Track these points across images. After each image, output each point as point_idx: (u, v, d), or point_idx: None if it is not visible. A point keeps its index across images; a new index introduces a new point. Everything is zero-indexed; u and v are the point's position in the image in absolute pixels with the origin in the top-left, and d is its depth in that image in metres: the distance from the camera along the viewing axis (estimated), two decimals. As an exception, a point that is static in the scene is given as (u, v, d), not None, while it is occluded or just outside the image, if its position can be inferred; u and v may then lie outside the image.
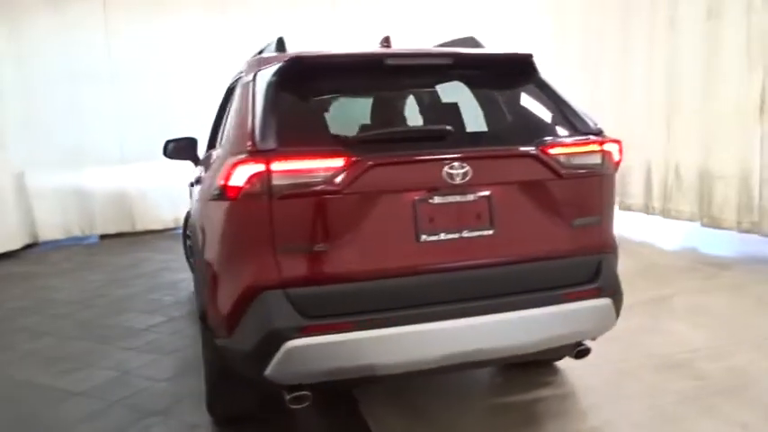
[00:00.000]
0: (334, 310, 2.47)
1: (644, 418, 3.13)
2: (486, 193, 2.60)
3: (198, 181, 3.86)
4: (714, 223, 6.62)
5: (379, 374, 2.56)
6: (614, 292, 2.83)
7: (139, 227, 8.76)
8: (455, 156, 2.52)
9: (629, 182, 7.82)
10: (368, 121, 3.51)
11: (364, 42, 7.60)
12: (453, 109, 3.33)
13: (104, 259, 7.57)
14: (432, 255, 2.56)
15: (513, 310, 2.62)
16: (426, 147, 2.62)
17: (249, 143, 2.46)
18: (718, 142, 6.49)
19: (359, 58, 2.91)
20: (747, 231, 6.30)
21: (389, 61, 2.79)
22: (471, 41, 3.35)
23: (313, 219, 2.45)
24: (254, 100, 2.64)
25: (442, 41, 3.63)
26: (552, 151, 2.69)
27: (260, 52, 3.34)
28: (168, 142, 4.67)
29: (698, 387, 3.40)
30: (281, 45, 3.04)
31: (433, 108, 3.57)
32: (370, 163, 2.45)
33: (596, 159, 2.79)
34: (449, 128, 2.67)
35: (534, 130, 2.84)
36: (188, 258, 5.76)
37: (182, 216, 6.50)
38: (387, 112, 3.62)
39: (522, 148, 2.68)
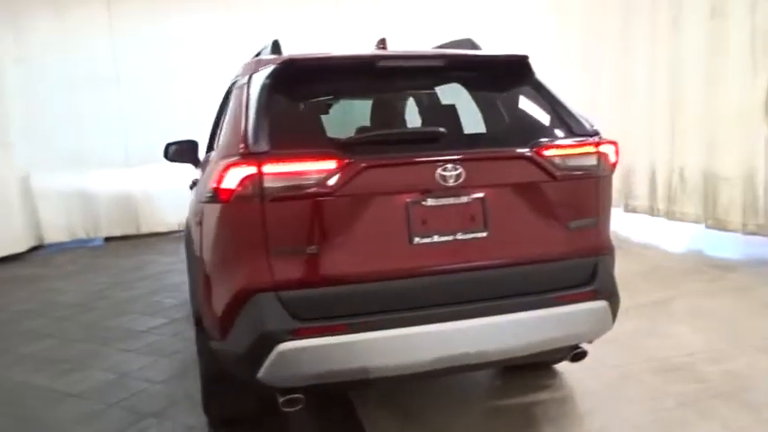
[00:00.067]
0: (327, 313, 2.46)
1: (642, 422, 3.11)
2: (480, 195, 2.59)
3: (195, 184, 3.87)
4: (719, 225, 6.56)
5: (373, 377, 2.55)
6: (611, 295, 2.81)
7: (144, 229, 8.79)
8: (448, 158, 2.51)
9: (633, 183, 7.78)
10: (365, 123, 3.51)
11: (368, 42, 7.60)
12: (449, 111, 3.31)
13: (109, 262, 7.60)
14: (425, 257, 2.55)
15: (507, 312, 2.60)
16: (419, 149, 2.61)
17: (242, 146, 2.46)
18: (722, 143, 6.44)
19: (352, 61, 2.91)
20: (753, 233, 6.24)
21: (382, 63, 2.79)
22: (468, 43, 3.34)
23: (305, 221, 2.45)
24: (248, 102, 2.64)
25: (441, 43, 3.62)
26: (547, 153, 2.68)
27: (257, 54, 3.34)
28: (169, 145, 4.68)
29: (698, 390, 3.37)
30: (276, 47, 3.04)
31: (429, 110, 3.57)
32: (362, 165, 2.44)
33: (592, 161, 2.78)
34: (442, 130, 2.66)
35: (529, 131, 2.82)
36: (189, 261, 5.78)
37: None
38: (383, 114, 3.62)
39: (517, 150, 2.66)
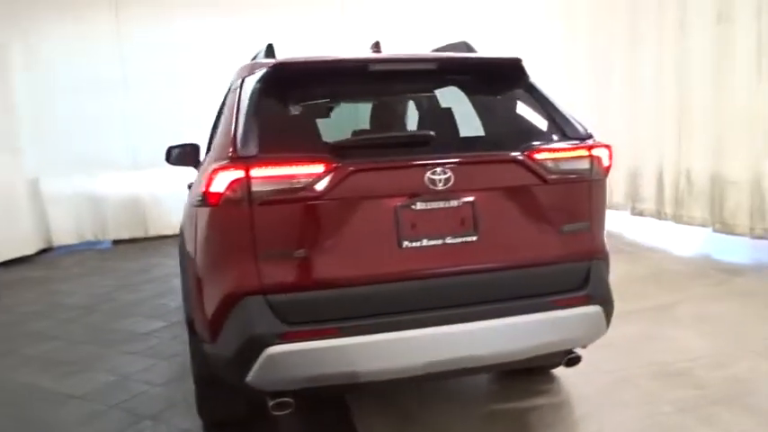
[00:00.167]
0: (316, 317, 2.47)
1: (638, 427, 3.08)
2: (470, 198, 2.58)
3: (190, 187, 3.90)
4: (726, 229, 6.49)
5: (362, 381, 2.55)
6: (604, 300, 2.79)
7: (152, 232, 8.84)
8: (436, 161, 2.51)
9: (640, 186, 7.72)
10: (362, 127, 3.51)
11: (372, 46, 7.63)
12: (445, 114, 3.32)
13: (116, 264, 7.66)
14: (414, 261, 2.54)
15: (498, 317, 2.59)
16: (409, 152, 2.61)
17: (230, 149, 2.47)
18: (729, 147, 6.37)
19: (343, 64, 2.91)
20: (760, 237, 6.17)
21: (374, 67, 2.79)
22: (463, 46, 3.33)
23: (294, 225, 2.46)
24: (239, 106, 2.65)
25: (434, 46, 3.62)
26: (538, 156, 2.66)
27: (254, 58, 3.35)
28: (171, 148, 4.70)
29: (697, 396, 3.34)
30: (270, 51, 3.05)
31: (426, 113, 3.56)
32: (350, 169, 2.44)
33: (584, 165, 2.76)
34: (431, 133, 2.65)
35: (522, 134, 2.81)
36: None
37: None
38: (383, 117, 3.62)
39: (506, 154, 2.65)
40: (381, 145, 2.72)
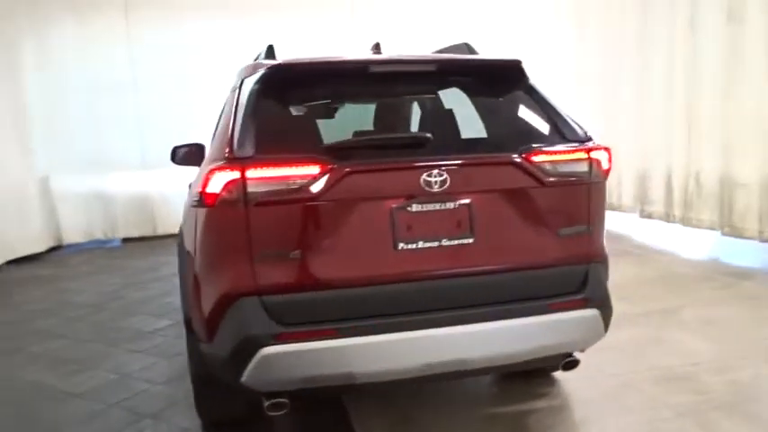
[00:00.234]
0: (311, 318, 2.47)
1: (638, 432, 3.07)
2: (467, 201, 2.57)
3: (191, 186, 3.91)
4: (735, 232, 6.43)
5: (357, 383, 2.55)
6: (602, 303, 2.77)
7: (161, 231, 8.88)
8: (432, 163, 2.50)
9: (649, 188, 7.67)
10: (363, 128, 3.51)
11: (383, 48, 7.63)
12: (446, 116, 3.30)
13: (125, 263, 7.70)
14: (410, 263, 2.54)
15: (494, 319, 2.58)
16: (406, 154, 2.61)
17: (227, 150, 2.48)
18: (739, 149, 6.31)
19: (341, 66, 2.92)
20: (769, 241, 6.12)
21: (371, 68, 2.79)
22: (464, 48, 3.32)
23: (289, 226, 2.46)
24: (237, 107, 2.67)
25: (438, 48, 3.61)
26: (536, 159, 2.65)
27: (256, 59, 3.36)
28: (176, 148, 4.73)
29: (698, 401, 3.31)
30: (270, 52, 3.06)
31: (427, 114, 3.55)
32: (346, 170, 2.45)
33: (583, 167, 2.74)
34: (428, 135, 2.65)
35: (520, 136, 2.79)
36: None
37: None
38: (386, 119, 3.63)
39: (503, 156, 2.64)
40: (378, 146, 2.72)
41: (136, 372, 4.06)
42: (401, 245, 2.51)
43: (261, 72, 2.70)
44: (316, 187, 2.42)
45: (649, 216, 7.72)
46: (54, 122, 8.27)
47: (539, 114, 2.88)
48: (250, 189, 2.39)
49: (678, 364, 3.76)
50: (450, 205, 2.56)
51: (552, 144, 2.75)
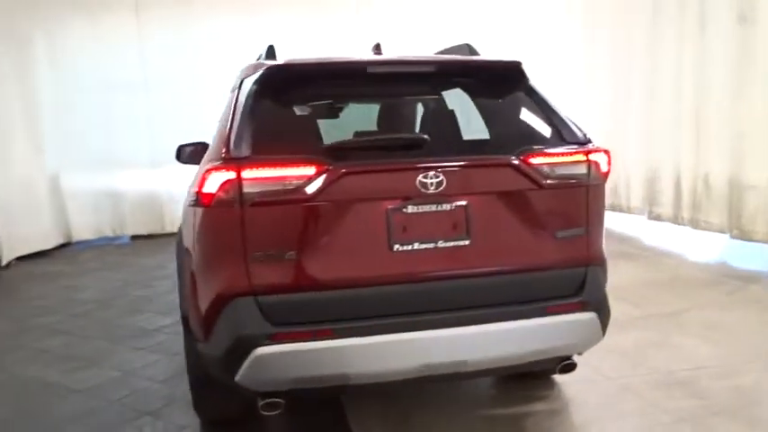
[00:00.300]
0: (305, 318, 2.48)
1: (636, 438, 3.05)
2: (463, 202, 2.56)
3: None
4: (744, 236, 6.35)
5: (351, 384, 2.55)
6: (600, 307, 2.75)
7: (169, 228, 8.90)
8: (428, 165, 2.49)
9: (658, 190, 7.60)
10: (365, 129, 3.51)
11: (389, 46, 7.61)
12: (447, 117, 3.29)
13: (132, 260, 7.76)
14: (405, 264, 2.53)
15: (491, 322, 2.57)
16: (402, 155, 2.60)
17: (224, 150, 2.49)
18: (748, 151, 6.23)
19: (339, 66, 2.91)
20: (778, 244, 6.05)
21: (369, 69, 2.78)
22: (465, 48, 3.31)
23: (284, 227, 2.46)
24: (236, 108, 2.67)
25: (443, 48, 3.59)
26: (533, 161, 2.63)
27: (258, 59, 3.37)
28: (181, 147, 4.74)
29: (698, 406, 3.28)
30: (270, 53, 3.06)
31: (429, 115, 3.54)
32: (342, 171, 2.44)
33: (581, 170, 2.72)
34: (425, 136, 2.64)
35: (518, 138, 2.77)
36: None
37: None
38: (389, 119, 3.61)
39: (500, 158, 2.63)
40: (374, 147, 2.72)
41: (138, 369, 4.08)
42: (396, 246, 2.51)
43: (259, 73, 2.70)
44: (311, 188, 2.42)
45: (658, 218, 7.66)
46: (65, 121, 8.34)
47: (538, 116, 2.86)
48: (246, 189, 2.39)
49: (680, 369, 3.72)
50: (447, 207, 2.55)
51: (551, 146, 2.74)
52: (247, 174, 2.39)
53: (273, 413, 2.58)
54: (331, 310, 2.49)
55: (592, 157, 2.73)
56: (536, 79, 3.01)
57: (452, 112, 3.29)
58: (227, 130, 2.57)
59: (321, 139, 2.83)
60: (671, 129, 7.29)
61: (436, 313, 2.54)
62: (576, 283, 2.74)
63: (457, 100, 3.23)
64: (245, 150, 2.46)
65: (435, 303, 2.56)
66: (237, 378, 2.45)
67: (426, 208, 2.53)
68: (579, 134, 2.80)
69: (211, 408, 3.10)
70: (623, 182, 8.19)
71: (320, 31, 8.55)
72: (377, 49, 3.29)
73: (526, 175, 2.62)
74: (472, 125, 3.08)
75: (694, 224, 7.04)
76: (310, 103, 3.00)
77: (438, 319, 2.53)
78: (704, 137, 6.82)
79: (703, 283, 5.63)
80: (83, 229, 8.66)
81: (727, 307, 4.94)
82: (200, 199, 2.50)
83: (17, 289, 6.65)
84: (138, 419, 3.36)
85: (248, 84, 2.72)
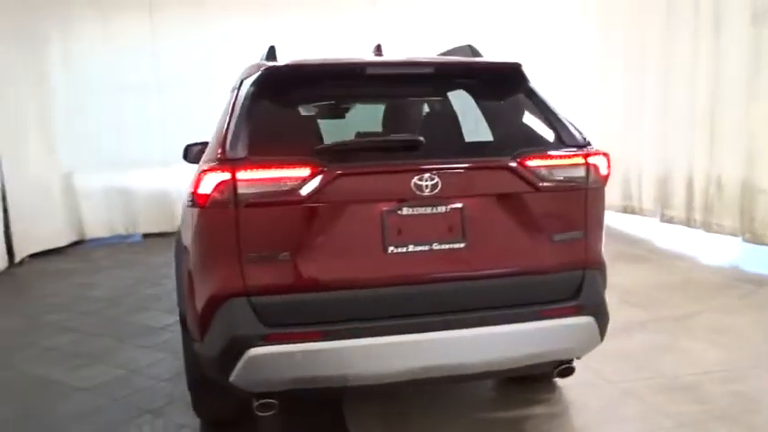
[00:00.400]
0: (300, 320, 2.48)
1: (635, 442, 3.02)
2: (459, 205, 2.55)
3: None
4: (756, 239, 6.27)
5: (345, 385, 2.55)
6: (597, 311, 2.72)
7: (179, 227, 9.00)
8: (423, 167, 2.48)
9: (670, 192, 7.52)
10: (366, 130, 3.51)
11: (406, 42, 7.62)
12: (449, 118, 3.28)
13: (143, 258, 7.82)
14: (399, 266, 2.53)
15: (485, 325, 2.56)
16: (398, 157, 2.59)
17: (219, 151, 2.50)
18: (761, 154, 6.15)
19: (336, 68, 2.91)
20: (791, 248, 5.96)
21: (366, 70, 2.78)
22: (467, 50, 3.29)
23: (279, 228, 2.47)
24: (233, 109, 2.68)
25: (442, 50, 3.58)
26: (530, 163, 2.61)
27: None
28: (188, 146, 4.77)
29: (700, 411, 3.23)
30: (271, 53, 3.07)
31: (428, 117, 3.53)
32: (336, 173, 2.44)
33: (580, 172, 2.70)
34: (420, 138, 2.63)
35: (517, 140, 2.76)
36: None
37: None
38: (390, 121, 3.60)
39: (497, 160, 2.61)
40: (370, 149, 2.71)
41: (142, 368, 4.11)
42: (391, 248, 2.50)
43: (256, 74, 2.71)
44: (306, 189, 2.42)
45: (670, 220, 7.58)
46: (78, 121, 8.43)
47: (538, 118, 2.84)
48: (240, 190, 2.40)
49: (684, 373, 3.68)
50: (442, 209, 2.54)
51: (549, 148, 2.72)
52: (242, 175, 2.40)
53: (268, 414, 2.59)
54: (325, 311, 2.49)
55: (591, 160, 2.71)
56: (541, 81, 3.00)
57: (455, 113, 3.28)
58: (224, 130, 2.58)
59: (318, 140, 2.83)
60: (684, 130, 7.21)
61: (429, 316, 2.53)
62: (573, 286, 2.71)
63: (461, 102, 3.22)
64: (241, 151, 2.47)
65: (429, 306, 2.55)
66: (232, 378, 2.46)
67: (421, 210, 2.53)
68: (578, 137, 2.77)
69: (209, 407, 3.12)
70: (635, 183, 8.12)
71: (332, 32, 8.56)
72: (378, 50, 3.28)
73: (523, 178, 2.60)
74: (476, 127, 3.06)
75: (707, 227, 6.96)
76: (308, 105, 3.01)
77: (433, 322, 2.52)
78: (717, 139, 6.74)
79: (715, 287, 5.56)
80: (96, 227, 8.76)
81: (738, 311, 4.88)
82: (195, 200, 2.51)
83: (30, 286, 6.73)
84: (139, 418, 3.38)
85: (246, 85, 2.74)
